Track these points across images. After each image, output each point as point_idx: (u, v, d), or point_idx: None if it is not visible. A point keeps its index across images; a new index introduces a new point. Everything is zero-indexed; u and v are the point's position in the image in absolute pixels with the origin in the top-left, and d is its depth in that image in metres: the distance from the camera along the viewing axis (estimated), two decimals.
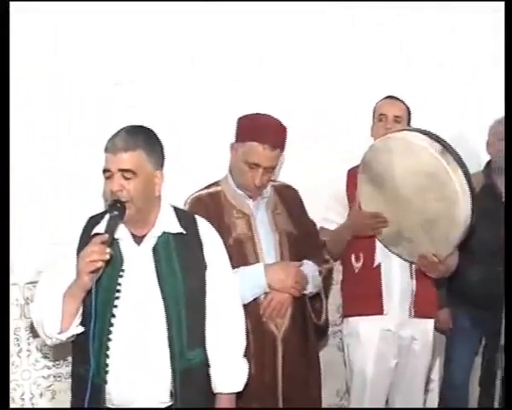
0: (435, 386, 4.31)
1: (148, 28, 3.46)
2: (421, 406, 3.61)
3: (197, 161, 3.53)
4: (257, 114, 3.02)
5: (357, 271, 3.47)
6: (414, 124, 3.51)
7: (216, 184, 3.10)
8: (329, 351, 3.96)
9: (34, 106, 3.23)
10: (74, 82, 3.34)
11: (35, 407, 3.28)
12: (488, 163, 3.96)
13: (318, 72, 3.84)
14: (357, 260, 3.45)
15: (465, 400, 4.04)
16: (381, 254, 3.40)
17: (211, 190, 3.06)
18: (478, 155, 3.99)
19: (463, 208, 3.02)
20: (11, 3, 2.84)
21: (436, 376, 4.30)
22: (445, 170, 2.96)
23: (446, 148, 3.00)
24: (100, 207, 2.94)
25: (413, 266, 3.38)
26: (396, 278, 3.40)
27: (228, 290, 2.65)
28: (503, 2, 3.27)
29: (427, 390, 4.05)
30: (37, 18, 3.22)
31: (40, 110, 3.25)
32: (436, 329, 3.92)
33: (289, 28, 3.79)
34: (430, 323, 3.54)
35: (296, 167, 3.66)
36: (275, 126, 2.99)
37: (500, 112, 3.16)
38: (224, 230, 2.87)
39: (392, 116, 3.50)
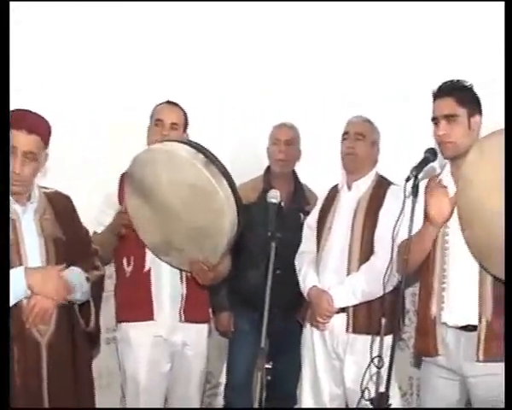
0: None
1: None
2: None
3: None
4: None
5: (128, 275, 3.43)
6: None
7: None
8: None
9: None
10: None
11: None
12: (268, 168, 4.08)
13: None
14: (129, 264, 3.41)
15: (249, 401, 4.04)
16: (152, 258, 3.37)
17: None
18: None
19: (229, 219, 3.05)
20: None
21: (224, 379, 4.30)
22: (210, 182, 2.97)
23: (210, 159, 3.02)
24: None
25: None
26: (166, 282, 3.40)
27: None
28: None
29: (215, 394, 4.07)
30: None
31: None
32: (218, 332, 3.98)
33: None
34: (203, 328, 3.55)
35: None
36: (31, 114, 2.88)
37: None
38: None
39: (169, 123, 3.47)
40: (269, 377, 3.00)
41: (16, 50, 3.11)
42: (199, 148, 3.04)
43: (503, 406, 2.85)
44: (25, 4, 3.41)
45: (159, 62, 3.87)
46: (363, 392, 2.72)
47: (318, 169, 3.97)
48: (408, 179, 2.80)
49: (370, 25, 3.94)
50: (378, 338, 2.86)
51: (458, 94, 2.99)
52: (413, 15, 3.84)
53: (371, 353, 2.82)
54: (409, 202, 2.80)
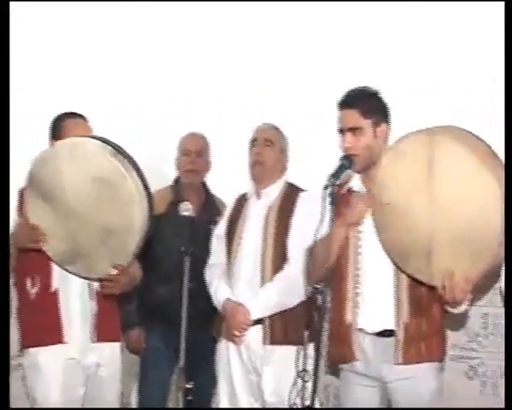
0: None
1: None
2: None
3: None
4: None
5: (33, 297, 3.21)
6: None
7: None
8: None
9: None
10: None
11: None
12: (177, 179, 3.99)
13: None
14: (33, 285, 3.20)
15: None
16: (59, 276, 3.18)
17: None
18: None
19: (140, 210, 2.93)
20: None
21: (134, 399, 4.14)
22: (121, 173, 2.87)
23: (119, 151, 2.91)
24: None
25: (92, 287, 3.22)
26: (75, 301, 3.21)
27: None
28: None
29: None
30: None
31: None
32: (128, 350, 3.83)
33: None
34: (116, 346, 3.38)
35: None
36: None
37: None
38: None
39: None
40: (189, 397, 2.92)
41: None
42: (106, 141, 2.92)
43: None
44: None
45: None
46: (291, 407, 2.65)
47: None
48: (326, 187, 2.76)
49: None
50: (300, 350, 2.82)
51: (362, 105, 2.96)
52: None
53: (297, 366, 2.76)
54: (327, 209, 2.76)
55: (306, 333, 3.01)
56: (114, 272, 3.03)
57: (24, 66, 3.18)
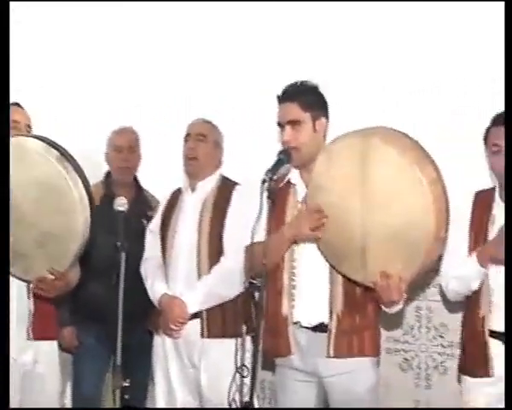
0: None
1: None
2: None
3: None
4: None
5: None
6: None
7: None
8: None
9: None
10: None
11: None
12: (108, 174, 3.92)
13: None
14: None
15: None
16: None
17: None
18: None
19: (82, 220, 2.87)
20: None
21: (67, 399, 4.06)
22: (64, 178, 2.80)
23: (65, 155, 2.84)
24: None
25: (30, 286, 3.12)
26: (12, 300, 3.11)
27: None
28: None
29: None
30: None
31: None
32: (61, 348, 3.74)
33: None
34: (53, 344, 3.29)
35: None
36: None
37: None
38: None
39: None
40: (126, 396, 2.86)
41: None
42: (52, 143, 2.84)
43: (359, 406, 2.91)
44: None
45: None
46: (230, 404, 2.62)
47: None
48: (264, 182, 2.74)
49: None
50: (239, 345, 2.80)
51: (302, 98, 2.95)
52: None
53: (236, 361, 2.73)
54: (264, 204, 2.73)
55: (244, 327, 3.00)
56: (50, 277, 2.97)
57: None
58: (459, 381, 3.17)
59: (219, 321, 3.38)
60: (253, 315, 3.32)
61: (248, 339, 2.96)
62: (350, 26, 3.87)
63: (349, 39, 3.86)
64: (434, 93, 3.73)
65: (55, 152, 2.83)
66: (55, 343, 3.32)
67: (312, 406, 3.04)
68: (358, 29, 3.86)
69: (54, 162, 2.80)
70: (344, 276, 2.86)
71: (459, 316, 3.41)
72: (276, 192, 2.86)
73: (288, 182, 3.05)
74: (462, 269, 2.95)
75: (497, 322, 2.88)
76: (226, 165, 3.61)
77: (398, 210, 2.56)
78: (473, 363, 2.98)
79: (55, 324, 3.35)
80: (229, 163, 3.63)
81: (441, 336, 3.69)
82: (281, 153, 2.90)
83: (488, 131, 2.99)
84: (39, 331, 3.17)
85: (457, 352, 3.51)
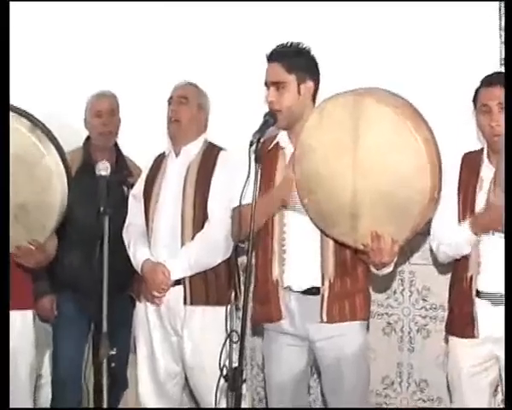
0: (47, 382, 4.01)
1: None
2: None
3: None
4: None
5: None
6: None
7: None
8: None
9: None
10: None
11: None
12: (87, 140, 3.84)
13: None
14: None
15: (77, 398, 3.79)
16: None
17: None
18: None
19: (59, 189, 2.83)
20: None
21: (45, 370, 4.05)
22: (37, 149, 2.74)
23: (37, 124, 2.77)
24: None
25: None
26: None
27: None
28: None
29: (38, 386, 3.78)
30: None
31: None
32: (40, 318, 3.68)
33: None
34: (28, 314, 3.25)
35: None
36: None
37: None
38: None
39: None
40: (113, 364, 2.82)
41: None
42: (23, 113, 2.77)
43: (349, 369, 2.91)
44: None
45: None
46: (221, 369, 2.60)
47: None
48: (251, 144, 2.70)
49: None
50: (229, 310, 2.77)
51: (288, 60, 2.91)
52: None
53: (226, 328, 2.70)
54: (252, 166, 2.69)
55: (232, 293, 2.97)
56: (31, 247, 2.93)
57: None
58: (446, 341, 3.18)
59: (202, 288, 3.34)
60: (238, 281, 3.31)
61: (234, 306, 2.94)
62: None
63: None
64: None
65: (26, 122, 2.76)
66: (29, 316, 3.26)
67: (301, 369, 3.04)
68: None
69: (26, 133, 2.74)
70: (334, 239, 2.85)
71: (442, 279, 3.46)
72: (265, 155, 2.83)
73: (277, 145, 3.01)
74: (453, 235, 2.94)
75: (485, 283, 2.90)
76: (213, 129, 3.56)
77: (391, 169, 2.54)
78: (460, 323, 2.99)
79: (30, 293, 3.30)
80: (215, 127, 3.58)
81: (424, 300, 3.70)
82: (267, 114, 2.86)
83: (477, 91, 2.98)
84: (14, 301, 3.06)
85: (440, 315, 3.56)
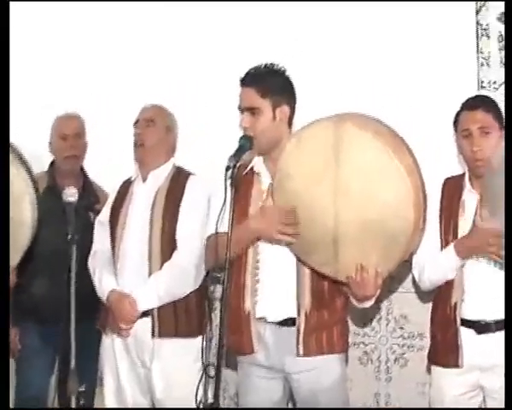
0: None
1: None
2: None
3: None
4: None
5: None
6: None
7: None
8: None
9: None
10: None
11: None
12: (52, 163, 3.72)
13: None
14: None
15: None
16: None
17: None
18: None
19: (30, 210, 2.79)
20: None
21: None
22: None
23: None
24: None
25: None
26: None
27: None
28: None
29: None
30: None
31: None
32: None
33: None
34: None
35: None
36: None
37: None
38: None
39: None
40: (82, 402, 2.69)
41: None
42: None
43: (327, 402, 2.81)
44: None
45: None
46: (198, 406, 2.48)
47: None
48: (228, 168, 2.59)
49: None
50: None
51: (262, 84, 2.82)
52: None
53: (203, 361, 2.58)
54: (228, 191, 2.57)
55: (207, 325, 2.87)
56: None
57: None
58: (429, 371, 3.11)
59: (171, 320, 3.22)
60: (208, 312, 3.19)
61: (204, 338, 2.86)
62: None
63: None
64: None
65: None
66: None
67: (277, 401, 2.94)
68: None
69: None
70: (312, 269, 2.75)
71: (419, 307, 3.42)
72: (240, 180, 2.73)
73: (252, 170, 2.91)
74: (438, 260, 2.89)
75: (469, 310, 2.84)
76: (182, 153, 3.49)
77: (374, 197, 2.46)
78: (443, 352, 2.92)
79: None
80: (185, 151, 3.51)
81: (401, 328, 3.64)
82: (242, 138, 2.77)
83: (458, 115, 2.93)
84: None
85: (418, 343, 3.50)
